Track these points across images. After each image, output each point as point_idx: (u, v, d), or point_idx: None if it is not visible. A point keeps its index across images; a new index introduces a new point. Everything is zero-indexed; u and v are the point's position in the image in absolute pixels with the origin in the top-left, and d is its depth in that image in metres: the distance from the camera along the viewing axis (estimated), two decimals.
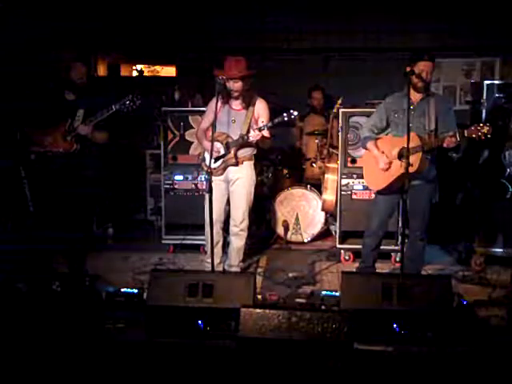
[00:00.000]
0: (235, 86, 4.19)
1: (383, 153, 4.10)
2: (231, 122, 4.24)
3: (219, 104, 4.30)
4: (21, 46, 5.56)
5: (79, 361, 3.13)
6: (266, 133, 4.16)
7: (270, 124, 4.10)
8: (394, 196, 4.13)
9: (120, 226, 5.92)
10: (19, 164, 4.35)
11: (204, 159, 4.46)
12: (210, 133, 4.36)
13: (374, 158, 4.15)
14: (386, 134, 4.22)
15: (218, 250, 4.34)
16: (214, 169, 4.00)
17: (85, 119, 4.28)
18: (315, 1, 6.35)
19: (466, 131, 3.73)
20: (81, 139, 4.31)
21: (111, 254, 5.30)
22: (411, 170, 3.86)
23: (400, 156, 3.98)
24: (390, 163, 4.05)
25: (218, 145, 4.25)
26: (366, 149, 4.25)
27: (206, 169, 4.42)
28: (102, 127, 4.34)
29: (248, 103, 4.28)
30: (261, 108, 4.33)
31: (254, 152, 4.41)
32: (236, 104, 4.31)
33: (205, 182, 3.95)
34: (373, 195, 4.83)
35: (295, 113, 4.08)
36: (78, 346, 3.29)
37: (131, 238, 5.88)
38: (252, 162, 4.43)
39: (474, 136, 3.71)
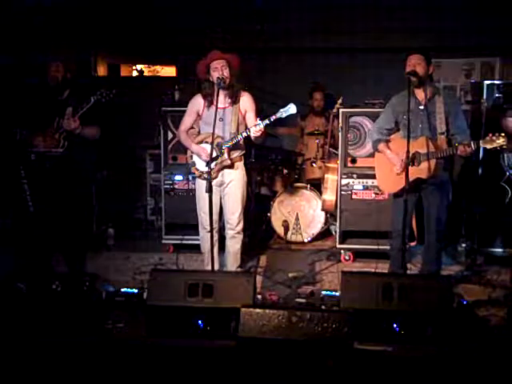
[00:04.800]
0: (224, 72, 4.08)
1: (397, 155, 4.08)
2: (218, 121, 4.06)
3: (202, 106, 4.26)
4: (20, 46, 5.57)
5: (79, 361, 3.13)
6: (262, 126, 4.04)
7: (267, 121, 4.01)
8: (411, 194, 4.03)
9: (120, 226, 5.92)
10: (19, 164, 4.35)
11: (194, 163, 4.35)
12: (197, 136, 4.35)
13: (389, 160, 4.13)
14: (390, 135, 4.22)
15: (212, 256, 4.13)
16: (208, 172, 3.88)
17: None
18: (315, 0, 6.36)
19: (481, 141, 3.72)
20: (70, 137, 4.32)
21: (111, 254, 5.31)
22: (425, 175, 3.85)
23: (413, 160, 3.94)
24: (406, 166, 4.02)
25: (207, 147, 4.12)
26: (378, 151, 4.23)
27: (197, 174, 4.34)
28: (91, 122, 4.34)
29: (234, 99, 4.21)
30: (246, 101, 4.25)
31: (243, 152, 4.35)
32: (222, 102, 4.20)
33: (204, 182, 3.90)
34: (373, 195, 4.84)
35: (291, 108, 3.98)
36: (78, 345, 3.29)
37: (131, 238, 5.89)
38: (242, 163, 4.36)
39: (489, 147, 3.70)
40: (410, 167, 3.95)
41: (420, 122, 3.98)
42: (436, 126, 3.97)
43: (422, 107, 3.99)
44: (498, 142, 3.66)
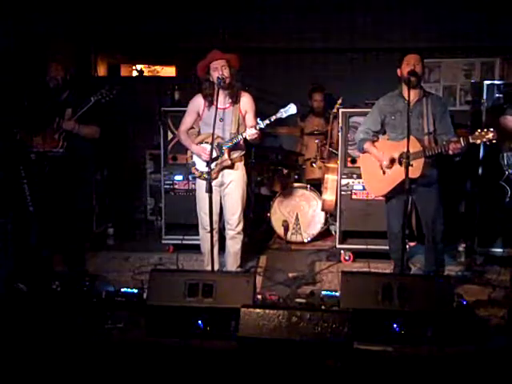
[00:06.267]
0: (224, 72, 4.08)
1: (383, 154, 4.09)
2: (219, 121, 4.04)
3: (203, 106, 4.26)
4: (20, 46, 5.57)
5: (79, 361, 3.13)
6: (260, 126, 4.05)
7: (267, 121, 4.01)
8: (402, 194, 3.95)
9: (120, 225, 5.92)
10: (19, 164, 4.36)
11: (194, 164, 4.34)
12: (197, 136, 4.35)
13: (375, 158, 4.14)
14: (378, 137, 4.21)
15: (212, 256, 4.11)
16: (208, 172, 3.84)
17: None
18: (315, 0, 6.36)
19: (470, 137, 3.71)
20: (70, 137, 4.33)
21: (111, 254, 5.31)
22: (415, 175, 3.84)
23: (401, 160, 3.96)
24: (392, 161, 4.03)
25: (207, 147, 4.11)
26: (364, 151, 4.22)
27: (197, 174, 4.33)
28: (90, 122, 4.34)
29: (235, 100, 4.20)
30: (246, 102, 4.24)
31: (244, 152, 4.35)
32: (222, 102, 4.19)
33: (205, 182, 3.89)
34: (372, 195, 4.83)
35: (291, 108, 3.99)
36: (78, 345, 3.29)
37: (131, 238, 5.89)
38: (243, 163, 4.36)
39: (478, 142, 3.70)
40: (398, 168, 3.98)
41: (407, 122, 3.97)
42: (423, 126, 3.98)
43: (410, 107, 3.96)
44: (486, 136, 3.66)
